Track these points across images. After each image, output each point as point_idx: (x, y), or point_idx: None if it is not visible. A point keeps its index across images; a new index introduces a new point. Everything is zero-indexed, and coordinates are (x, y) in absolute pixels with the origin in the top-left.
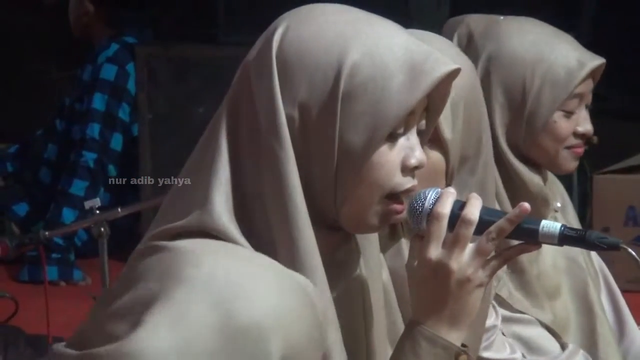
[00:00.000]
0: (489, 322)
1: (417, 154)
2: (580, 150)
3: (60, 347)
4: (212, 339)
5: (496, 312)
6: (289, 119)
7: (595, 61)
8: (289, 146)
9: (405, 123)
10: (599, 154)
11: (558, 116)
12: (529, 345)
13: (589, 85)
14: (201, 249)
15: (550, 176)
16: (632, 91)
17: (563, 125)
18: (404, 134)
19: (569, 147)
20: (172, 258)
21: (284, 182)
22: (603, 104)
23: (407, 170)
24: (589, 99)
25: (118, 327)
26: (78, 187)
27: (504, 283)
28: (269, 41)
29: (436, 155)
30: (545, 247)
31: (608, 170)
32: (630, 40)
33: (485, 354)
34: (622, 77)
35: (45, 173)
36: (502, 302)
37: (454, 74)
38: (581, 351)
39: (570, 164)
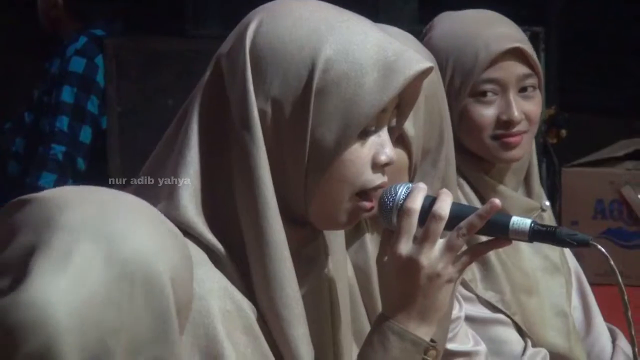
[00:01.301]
0: (453, 313)
1: (387, 151)
2: (512, 139)
3: None
4: (103, 270)
5: (459, 303)
6: (262, 114)
7: (504, 45)
8: (261, 141)
9: (377, 120)
10: (569, 147)
11: (470, 103)
12: (489, 347)
13: (512, 70)
14: (69, 194)
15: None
16: (603, 84)
17: (477, 112)
18: (375, 131)
19: (496, 137)
20: (43, 208)
21: (255, 176)
22: (574, 97)
23: (377, 167)
24: (522, 83)
25: (1, 283)
26: (47, 180)
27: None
28: (243, 35)
29: (398, 152)
30: (523, 245)
31: (577, 163)
32: (602, 33)
33: (449, 346)
34: (593, 70)
35: (13, 166)
36: (464, 284)
37: (427, 72)
38: (542, 353)
39: (503, 154)
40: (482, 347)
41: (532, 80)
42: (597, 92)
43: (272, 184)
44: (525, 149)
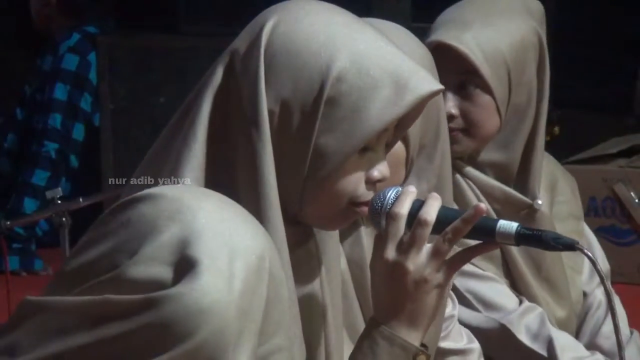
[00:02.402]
0: (447, 311)
1: (382, 168)
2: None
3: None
4: (247, 265)
5: (453, 301)
6: (270, 114)
7: (439, 38)
8: (268, 140)
9: (377, 137)
10: (562, 145)
11: None
12: (484, 301)
13: (446, 65)
14: (190, 191)
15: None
16: (595, 81)
17: None
18: (374, 148)
19: None
20: (173, 202)
21: (259, 174)
22: (567, 95)
23: (370, 182)
24: (460, 79)
25: (157, 272)
26: (39, 177)
27: None
28: (259, 34)
29: (397, 145)
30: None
31: (570, 160)
32: (595, 30)
33: (442, 344)
34: (586, 67)
35: (4, 163)
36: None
37: (436, 93)
38: (539, 309)
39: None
40: (476, 345)
41: (473, 80)
42: (590, 89)
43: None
44: (466, 147)
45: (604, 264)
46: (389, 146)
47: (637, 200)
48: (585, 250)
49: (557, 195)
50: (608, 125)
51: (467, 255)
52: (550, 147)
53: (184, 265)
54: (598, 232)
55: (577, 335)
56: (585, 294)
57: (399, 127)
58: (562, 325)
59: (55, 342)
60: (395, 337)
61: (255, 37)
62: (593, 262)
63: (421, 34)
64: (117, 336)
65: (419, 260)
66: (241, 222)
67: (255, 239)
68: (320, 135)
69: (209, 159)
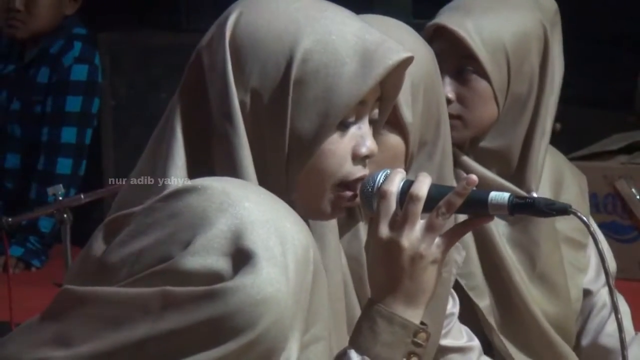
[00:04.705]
0: (447, 308)
1: (368, 144)
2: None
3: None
4: (295, 256)
5: (454, 299)
6: (242, 105)
7: (440, 21)
8: (243, 132)
9: (357, 112)
10: (563, 141)
11: None
12: None
13: (446, 47)
14: (233, 181)
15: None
16: (596, 78)
17: None
18: (355, 122)
19: None
20: (219, 193)
21: (238, 167)
22: (568, 91)
23: (358, 159)
24: (458, 64)
25: (214, 263)
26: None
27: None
28: (223, 27)
29: (396, 139)
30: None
31: (571, 157)
32: (595, 27)
33: (442, 342)
34: (587, 64)
35: (8, 183)
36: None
37: (407, 62)
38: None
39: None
40: (476, 343)
41: (470, 64)
42: (591, 86)
43: (256, 175)
44: (462, 134)
45: (611, 263)
46: (378, 122)
47: (638, 197)
48: (579, 214)
49: (563, 193)
50: (609, 122)
51: (462, 229)
52: (551, 144)
53: (241, 257)
54: (599, 228)
55: (580, 334)
56: (590, 292)
57: (384, 101)
58: (553, 322)
59: (112, 334)
60: (395, 315)
61: (219, 31)
62: (587, 225)
63: (422, 30)
64: (178, 328)
65: (413, 236)
66: (284, 213)
67: (299, 230)
68: (295, 118)
69: (191, 158)
